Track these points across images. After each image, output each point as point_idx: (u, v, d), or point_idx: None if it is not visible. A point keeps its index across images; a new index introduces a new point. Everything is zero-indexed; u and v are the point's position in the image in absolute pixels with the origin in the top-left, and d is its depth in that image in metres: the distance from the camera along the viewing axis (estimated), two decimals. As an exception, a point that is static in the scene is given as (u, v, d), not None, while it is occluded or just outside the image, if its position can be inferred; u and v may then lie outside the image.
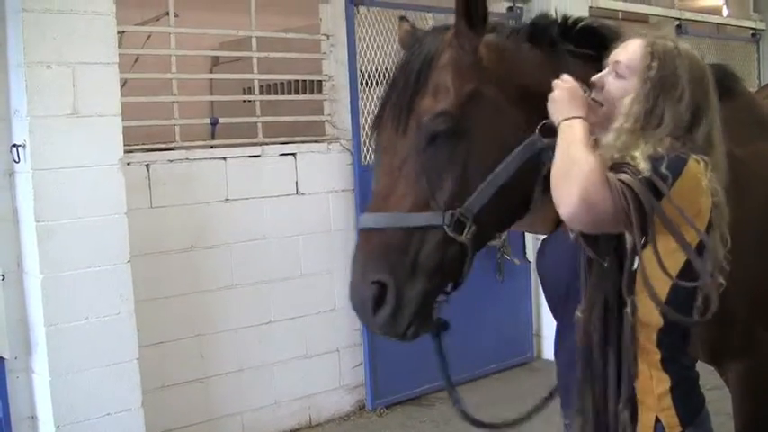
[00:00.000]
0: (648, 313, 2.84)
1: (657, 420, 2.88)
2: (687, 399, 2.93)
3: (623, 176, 2.75)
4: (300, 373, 7.76)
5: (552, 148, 2.98)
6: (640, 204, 2.71)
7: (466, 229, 3.14)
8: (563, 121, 2.98)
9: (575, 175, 2.77)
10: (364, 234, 3.25)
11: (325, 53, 8.17)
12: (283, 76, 8.61)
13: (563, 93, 3.06)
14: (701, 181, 2.80)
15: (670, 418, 2.87)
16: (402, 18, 3.81)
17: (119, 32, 6.51)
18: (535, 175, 3.16)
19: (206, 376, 7.35)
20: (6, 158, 6.11)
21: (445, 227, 3.12)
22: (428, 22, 8.14)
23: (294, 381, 7.78)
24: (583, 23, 3.50)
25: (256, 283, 7.41)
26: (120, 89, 6.41)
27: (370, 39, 8.12)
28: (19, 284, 6.24)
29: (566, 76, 3.13)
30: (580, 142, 2.88)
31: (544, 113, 3.08)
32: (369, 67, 8.11)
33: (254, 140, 7.81)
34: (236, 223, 7.47)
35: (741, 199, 3.14)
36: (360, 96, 8.07)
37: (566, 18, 3.51)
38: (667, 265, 2.75)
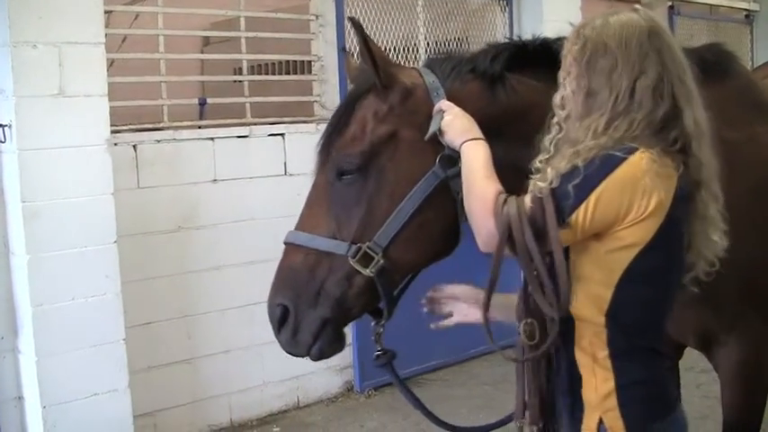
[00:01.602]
0: (589, 312, 2.77)
1: (600, 421, 2.80)
2: (639, 404, 2.80)
3: (512, 203, 2.77)
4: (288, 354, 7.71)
5: (458, 176, 3.09)
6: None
7: (372, 263, 3.22)
8: (460, 145, 3.07)
9: (470, 207, 2.92)
10: (286, 249, 3.41)
11: (314, 33, 8.15)
12: (272, 57, 8.57)
13: (452, 117, 3.13)
14: (640, 180, 2.62)
15: (613, 421, 2.78)
16: (351, 54, 3.89)
17: (106, 12, 6.49)
18: (453, 205, 3.21)
19: (193, 357, 7.35)
20: (-8, 138, 6.06)
21: (349, 258, 3.23)
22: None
23: (282, 362, 7.63)
24: (539, 42, 3.48)
25: (244, 263, 7.39)
26: (108, 69, 6.38)
27: (359, 17, 8.07)
28: (5, 265, 6.23)
29: (445, 102, 3.21)
30: (474, 169, 2.96)
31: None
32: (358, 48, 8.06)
33: (243, 121, 7.79)
34: (223, 204, 7.45)
35: (733, 183, 3.07)
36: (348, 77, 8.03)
37: (523, 42, 3.53)
38: (612, 264, 2.70)
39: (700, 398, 2.88)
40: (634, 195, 2.62)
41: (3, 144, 6.01)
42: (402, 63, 3.55)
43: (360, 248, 3.22)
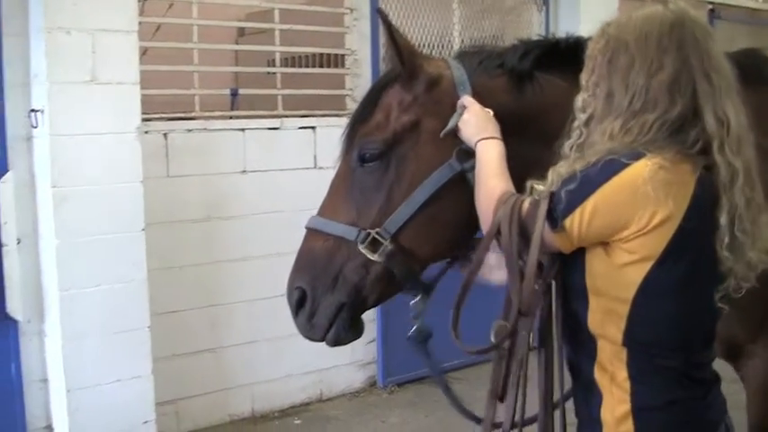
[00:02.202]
0: (607, 330, 2.68)
1: None
2: (657, 430, 2.68)
3: (509, 202, 2.78)
4: (313, 347, 7.55)
5: (473, 171, 3.10)
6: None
7: (381, 249, 3.24)
8: (475, 144, 3.08)
9: (478, 203, 2.96)
10: (307, 233, 3.43)
11: (348, 27, 8.15)
12: (306, 49, 8.58)
13: (470, 116, 3.12)
14: (640, 188, 2.49)
15: None
16: (380, 11, 3.88)
17: (140, 0, 6.50)
18: (468, 197, 3.16)
19: (217, 347, 7.38)
20: (24, 123, 6.12)
21: (358, 243, 3.25)
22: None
23: (306, 355, 7.74)
24: (572, 41, 3.41)
25: (271, 255, 7.37)
26: (141, 57, 6.40)
27: (394, 13, 8.08)
28: (34, 249, 6.27)
29: (467, 99, 3.20)
30: (486, 167, 2.98)
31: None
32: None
33: (274, 113, 7.80)
34: (252, 195, 7.48)
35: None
36: (382, 71, 8.02)
37: (556, 40, 3.49)
38: (626, 279, 2.60)
39: (729, 409, 2.85)
40: (634, 205, 2.51)
41: (35, 129, 6.06)
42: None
43: (368, 234, 3.23)
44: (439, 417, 7.25)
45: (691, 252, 2.57)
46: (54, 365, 6.25)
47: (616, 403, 2.70)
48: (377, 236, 3.24)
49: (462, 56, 3.53)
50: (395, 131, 3.31)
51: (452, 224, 3.31)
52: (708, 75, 2.61)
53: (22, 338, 6.32)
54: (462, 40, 8.73)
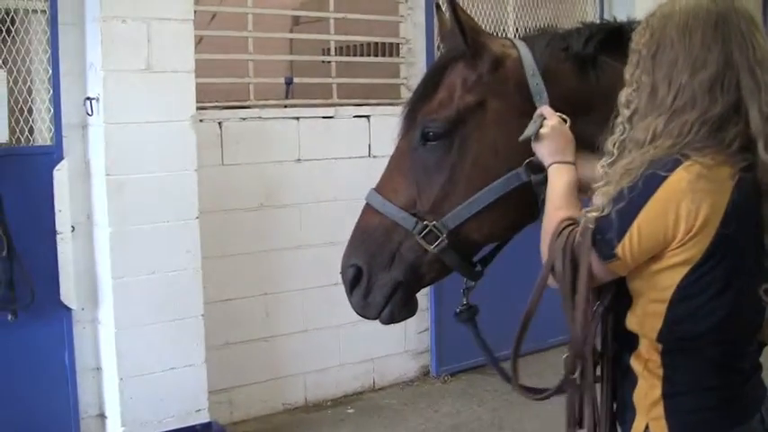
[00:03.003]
0: (646, 327, 2.67)
1: (647, 428, 2.72)
2: (688, 415, 2.67)
3: (563, 236, 2.74)
4: (366, 336, 7.71)
5: (543, 184, 3.04)
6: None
7: (437, 242, 3.20)
8: (548, 166, 3.01)
9: (542, 230, 2.88)
10: (365, 209, 3.38)
11: (402, 16, 8.13)
12: (360, 38, 8.56)
13: (549, 130, 3.02)
14: (682, 201, 2.44)
15: (659, 430, 2.68)
16: (438, 7, 3.82)
17: (196, -11, 6.53)
18: (532, 206, 3.14)
19: (271, 335, 7.39)
20: (80, 111, 6.15)
21: (416, 234, 3.21)
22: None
23: (359, 344, 7.78)
24: (636, 26, 3.36)
25: (325, 243, 7.36)
26: (196, 46, 6.42)
27: (445, 3, 8.02)
28: (88, 237, 6.31)
29: (546, 109, 3.10)
30: (553, 195, 2.92)
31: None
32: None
33: (329, 101, 7.80)
34: (307, 183, 7.48)
35: None
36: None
37: (620, 24, 3.41)
38: (663, 282, 2.57)
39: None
40: (678, 216, 2.47)
41: (90, 117, 6.09)
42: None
43: (426, 226, 3.19)
44: (492, 406, 7.22)
45: (731, 256, 2.52)
46: (107, 353, 6.29)
47: (648, 388, 2.70)
48: (434, 229, 3.19)
49: (527, 38, 3.48)
50: (459, 110, 3.23)
51: (511, 224, 3.28)
52: (753, 70, 2.54)
53: (76, 326, 6.35)
54: (517, 29, 8.67)
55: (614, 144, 2.70)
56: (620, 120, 2.72)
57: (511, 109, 3.19)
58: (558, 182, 2.95)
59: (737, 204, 2.48)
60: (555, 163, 3.00)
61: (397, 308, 3.33)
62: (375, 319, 3.37)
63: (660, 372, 2.67)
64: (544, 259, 2.83)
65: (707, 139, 2.50)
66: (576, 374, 2.81)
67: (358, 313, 3.38)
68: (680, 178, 2.46)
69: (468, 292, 3.45)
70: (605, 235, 2.59)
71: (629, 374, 2.79)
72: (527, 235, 3.20)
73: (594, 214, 2.61)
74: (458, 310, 3.46)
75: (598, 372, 2.88)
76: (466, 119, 3.24)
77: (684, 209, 2.45)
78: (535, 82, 3.20)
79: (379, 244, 3.29)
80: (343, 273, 3.37)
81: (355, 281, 3.32)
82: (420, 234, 3.20)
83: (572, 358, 2.81)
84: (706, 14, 2.57)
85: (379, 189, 3.36)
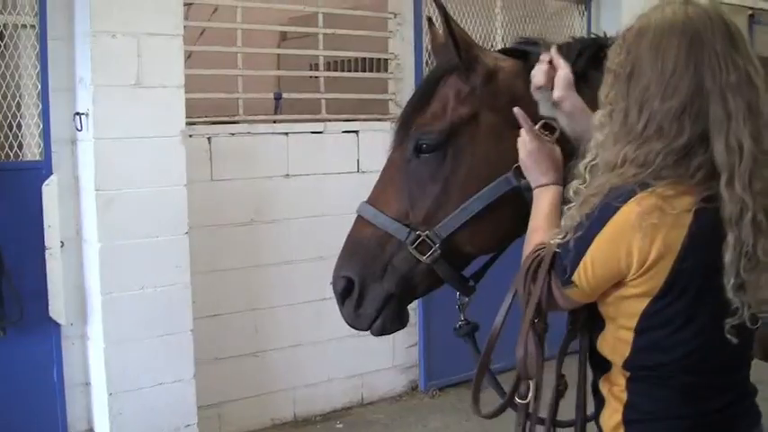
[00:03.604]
0: (613, 353, 2.66)
1: None
2: None
3: (527, 261, 2.75)
4: (355, 351, 7.73)
5: (530, 189, 3.03)
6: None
7: (430, 252, 3.21)
8: (535, 188, 2.99)
9: (523, 253, 2.85)
10: (357, 221, 3.38)
11: (391, 31, 8.14)
12: (349, 54, 8.56)
13: (527, 159, 3.01)
14: (634, 231, 2.41)
15: None
16: (430, 21, 3.83)
17: (185, 4, 6.53)
18: (525, 210, 3.10)
19: (260, 350, 7.38)
20: (69, 126, 6.16)
21: (408, 245, 3.21)
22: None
23: (348, 359, 7.78)
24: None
25: (314, 259, 7.37)
26: (185, 61, 6.43)
27: (437, 18, 8.04)
28: (77, 252, 6.31)
29: (525, 130, 3.05)
30: (535, 216, 2.92)
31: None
32: (435, 47, 8.05)
33: (318, 117, 7.80)
34: (296, 199, 7.47)
35: None
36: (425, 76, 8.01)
37: (610, 38, 3.39)
38: (628, 309, 2.55)
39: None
40: (630, 250, 2.44)
41: (79, 132, 6.09)
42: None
43: (419, 236, 3.20)
44: (480, 421, 7.16)
45: (691, 290, 2.48)
46: (96, 369, 6.28)
47: (611, 412, 2.70)
48: (427, 239, 3.20)
49: (519, 46, 3.49)
50: (452, 123, 3.24)
51: (503, 233, 3.28)
52: (724, 97, 2.43)
53: (65, 342, 6.35)
54: (505, 45, 8.66)
55: (585, 168, 2.66)
56: (592, 143, 2.67)
57: (504, 121, 3.17)
58: (542, 203, 2.95)
59: (696, 237, 2.43)
60: (538, 187, 2.99)
61: (388, 320, 3.33)
62: (366, 330, 3.37)
63: (624, 397, 2.66)
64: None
65: (671, 168, 2.44)
66: (530, 397, 2.83)
67: (349, 325, 3.38)
68: (630, 211, 2.42)
69: (464, 307, 3.47)
70: (563, 261, 2.59)
71: (598, 395, 2.79)
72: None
73: (558, 240, 2.61)
74: (457, 325, 3.47)
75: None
76: (459, 131, 3.24)
77: (636, 244, 2.43)
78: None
79: (371, 255, 3.28)
80: (334, 284, 3.36)
81: (346, 292, 3.31)
82: (413, 244, 3.19)
83: (516, 380, 2.85)
84: (680, 35, 2.48)
85: (372, 201, 3.36)
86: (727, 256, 2.42)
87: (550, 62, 3.13)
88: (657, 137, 2.46)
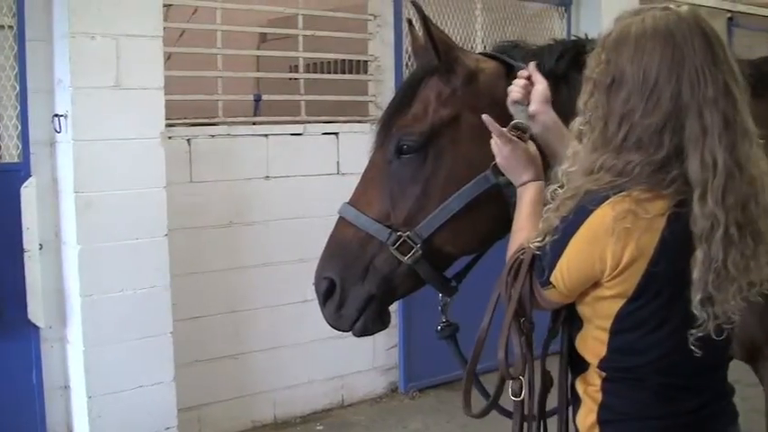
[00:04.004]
0: (590, 352, 2.69)
1: None
2: None
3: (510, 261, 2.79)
4: (335, 353, 7.72)
5: (511, 185, 3.06)
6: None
7: (410, 253, 3.24)
8: (518, 188, 3.02)
9: (507, 253, 2.88)
10: (338, 222, 3.42)
11: (371, 33, 8.13)
12: (329, 55, 8.56)
13: (505, 162, 3.04)
14: (607, 234, 2.43)
15: None
16: (410, 23, 3.84)
17: (165, 5, 6.50)
18: (504, 208, 3.16)
19: (240, 353, 7.36)
20: (48, 128, 6.12)
21: (389, 246, 3.25)
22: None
23: (328, 361, 7.77)
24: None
25: (294, 261, 7.36)
26: (165, 62, 6.41)
27: (417, 20, 8.04)
28: (56, 254, 6.28)
29: (497, 136, 3.06)
30: (519, 214, 2.94)
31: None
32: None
33: (297, 118, 7.79)
34: (276, 201, 7.46)
35: None
36: (405, 77, 8.01)
37: (590, 41, 3.38)
38: (603, 310, 2.59)
39: (747, 412, 2.81)
40: (604, 253, 2.47)
41: (58, 134, 6.06)
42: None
43: (400, 237, 3.24)
44: (460, 422, 7.22)
45: (665, 293, 2.51)
46: (76, 372, 6.25)
47: (587, 412, 2.72)
48: (408, 239, 3.23)
49: (502, 49, 3.50)
50: (433, 124, 3.29)
51: (484, 232, 3.32)
52: (701, 113, 2.45)
53: (44, 345, 6.32)
54: (485, 47, 8.68)
55: (562, 174, 2.67)
56: (570, 151, 2.68)
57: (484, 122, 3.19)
58: (523, 201, 2.97)
59: (668, 243, 2.45)
60: (519, 186, 3.02)
61: (370, 321, 3.38)
62: (348, 331, 3.41)
63: (599, 397, 2.69)
64: None
65: (646, 177, 2.46)
66: (524, 394, 2.86)
67: (331, 325, 3.42)
68: (605, 214, 2.45)
69: (446, 308, 3.47)
70: (542, 263, 2.62)
71: (575, 394, 2.81)
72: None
73: (536, 242, 2.63)
74: (438, 327, 3.50)
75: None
76: (440, 132, 3.28)
77: (610, 247, 2.45)
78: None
79: (353, 257, 3.32)
80: (316, 285, 3.40)
81: (328, 293, 3.35)
82: (394, 245, 3.24)
83: (500, 380, 2.92)
84: (661, 47, 2.48)
85: (353, 202, 3.39)
86: (696, 272, 2.45)
87: (528, 78, 3.16)
88: (636, 149, 2.48)
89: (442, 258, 3.35)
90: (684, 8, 2.56)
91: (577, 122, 2.67)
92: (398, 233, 3.24)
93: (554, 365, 2.86)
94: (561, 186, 2.64)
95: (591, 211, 2.47)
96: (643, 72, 2.48)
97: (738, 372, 2.87)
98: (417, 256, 3.23)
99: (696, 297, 2.45)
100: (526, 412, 2.90)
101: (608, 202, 2.45)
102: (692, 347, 2.50)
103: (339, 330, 3.43)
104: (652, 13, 2.54)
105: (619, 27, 2.58)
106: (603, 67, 2.57)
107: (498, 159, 3.06)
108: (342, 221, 3.39)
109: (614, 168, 2.49)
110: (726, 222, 2.41)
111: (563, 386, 2.92)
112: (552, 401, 2.95)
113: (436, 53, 3.29)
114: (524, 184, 3.00)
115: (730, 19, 10.85)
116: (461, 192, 3.20)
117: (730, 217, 2.42)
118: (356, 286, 3.33)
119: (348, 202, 3.41)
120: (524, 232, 2.83)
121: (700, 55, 2.46)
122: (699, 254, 2.44)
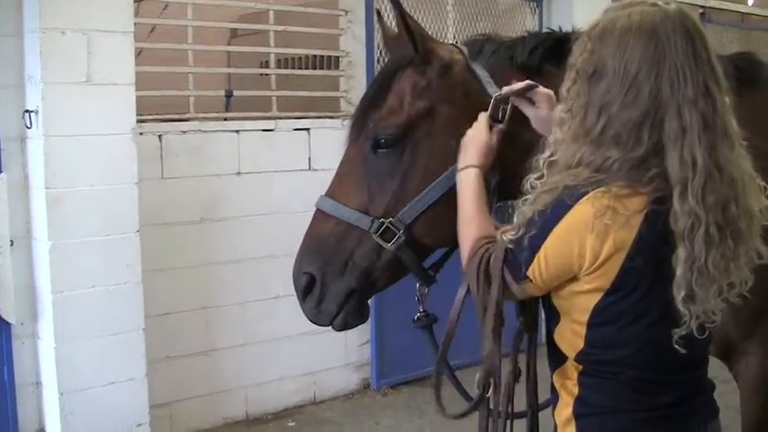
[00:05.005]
0: (567, 345, 2.70)
1: None
2: None
3: (478, 255, 2.78)
4: (306, 349, 7.72)
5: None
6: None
7: (394, 239, 3.24)
8: (460, 170, 3.04)
9: (459, 239, 2.93)
10: (316, 215, 3.41)
11: (342, 29, 8.13)
12: (300, 51, 8.54)
13: (469, 137, 3.07)
14: (587, 229, 2.45)
15: None
16: (379, 14, 3.84)
17: (135, 1, 6.49)
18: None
19: (211, 349, 7.35)
20: (18, 124, 6.09)
21: (372, 233, 3.24)
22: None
23: (300, 357, 7.76)
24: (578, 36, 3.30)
25: (266, 257, 7.38)
26: (136, 58, 6.39)
27: (389, 15, 8.04)
28: (27, 251, 6.25)
29: (482, 115, 3.12)
30: (464, 204, 2.95)
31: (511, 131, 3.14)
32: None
33: (269, 114, 7.78)
34: (247, 197, 7.45)
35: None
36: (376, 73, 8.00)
37: (564, 34, 3.40)
38: (581, 304, 2.60)
39: (722, 408, 2.82)
40: (582, 248, 2.48)
41: (29, 130, 6.03)
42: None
43: (383, 224, 3.23)
44: (432, 419, 7.23)
45: (640, 290, 2.53)
46: (47, 368, 6.23)
47: (563, 406, 2.74)
48: (390, 225, 3.23)
49: (472, 44, 3.50)
50: (409, 117, 3.28)
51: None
52: (680, 111, 2.46)
53: (15, 341, 6.29)
54: (456, 42, 8.67)
55: (543, 162, 2.67)
56: (552, 139, 2.69)
57: (460, 114, 3.22)
58: (463, 187, 2.99)
59: (644, 239, 2.47)
60: (461, 170, 3.04)
61: (350, 315, 3.37)
62: (328, 326, 3.40)
63: (575, 391, 2.70)
64: (464, 264, 2.88)
65: (625, 173, 2.48)
66: (490, 392, 2.90)
67: (311, 321, 3.41)
68: (585, 210, 2.46)
69: (423, 298, 3.47)
70: (518, 257, 2.62)
71: (553, 389, 2.82)
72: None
73: (510, 236, 2.63)
74: (416, 316, 3.49)
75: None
76: (417, 125, 3.28)
77: (589, 243, 2.47)
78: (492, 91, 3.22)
79: (333, 251, 3.30)
80: (295, 281, 3.38)
81: (308, 289, 3.33)
82: (377, 232, 3.23)
83: (484, 376, 2.88)
84: (644, 43, 2.49)
85: (330, 194, 3.38)
86: (679, 270, 2.46)
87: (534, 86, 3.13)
88: (615, 144, 2.49)
89: (421, 248, 3.34)
90: (673, 6, 2.56)
91: (559, 109, 2.69)
92: (381, 220, 3.23)
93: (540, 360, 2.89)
94: (540, 176, 2.65)
95: (570, 207, 2.48)
96: (624, 66, 2.49)
97: (713, 369, 2.87)
98: (401, 242, 3.22)
99: (679, 294, 2.47)
100: (501, 408, 2.92)
101: (587, 197, 2.46)
102: (676, 346, 2.52)
103: (319, 325, 3.42)
104: (640, 8, 2.55)
105: (606, 19, 2.60)
106: (587, 57, 2.59)
107: (468, 134, 3.09)
108: (319, 214, 3.37)
109: (593, 164, 2.50)
110: (706, 221, 2.43)
111: (533, 380, 2.95)
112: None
113: (413, 44, 3.28)
114: (465, 168, 3.02)
115: (702, 14, 10.89)
116: (438, 181, 3.20)
117: (710, 217, 2.44)
118: (336, 281, 3.31)
119: (325, 195, 3.39)
120: (475, 227, 2.85)
121: (681, 54, 2.48)
122: (681, 252, 2.45)
